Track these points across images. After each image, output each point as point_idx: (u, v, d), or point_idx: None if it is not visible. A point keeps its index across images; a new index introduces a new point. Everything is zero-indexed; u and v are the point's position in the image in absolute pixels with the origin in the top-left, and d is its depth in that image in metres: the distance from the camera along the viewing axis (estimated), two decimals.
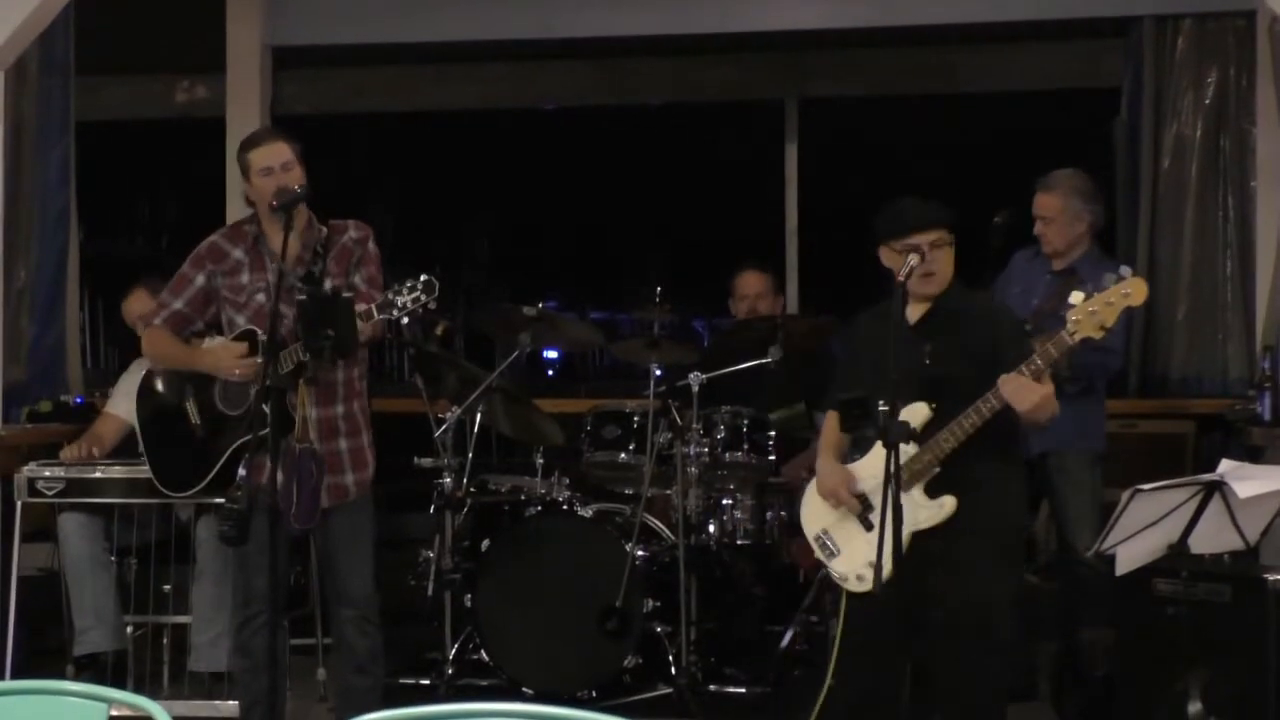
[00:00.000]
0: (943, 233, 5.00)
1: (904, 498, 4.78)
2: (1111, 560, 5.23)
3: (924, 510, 4.88)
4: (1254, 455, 6.48)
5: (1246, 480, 5.07)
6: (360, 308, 5.17)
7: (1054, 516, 6.62)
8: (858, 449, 5.17)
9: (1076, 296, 4.71)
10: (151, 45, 8.93)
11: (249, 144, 5.48)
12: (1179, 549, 5.19)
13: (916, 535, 4.86)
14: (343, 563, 5.46)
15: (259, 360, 5.18)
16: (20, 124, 8.10)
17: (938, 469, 4.88)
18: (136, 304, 6.96)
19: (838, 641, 5.12)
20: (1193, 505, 5.12)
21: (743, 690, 6.51)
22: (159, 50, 8.98)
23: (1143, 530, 5.13)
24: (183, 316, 5.55)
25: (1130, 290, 4.70)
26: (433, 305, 5.21)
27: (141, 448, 5.87)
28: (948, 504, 4.88)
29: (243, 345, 5.37)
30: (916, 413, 4.86)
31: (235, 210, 8.38)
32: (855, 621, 5.08)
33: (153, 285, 6.95)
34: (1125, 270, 4.76)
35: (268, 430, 4.97)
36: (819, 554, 5.18)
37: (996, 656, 5.00)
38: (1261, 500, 5.10)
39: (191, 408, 5.55)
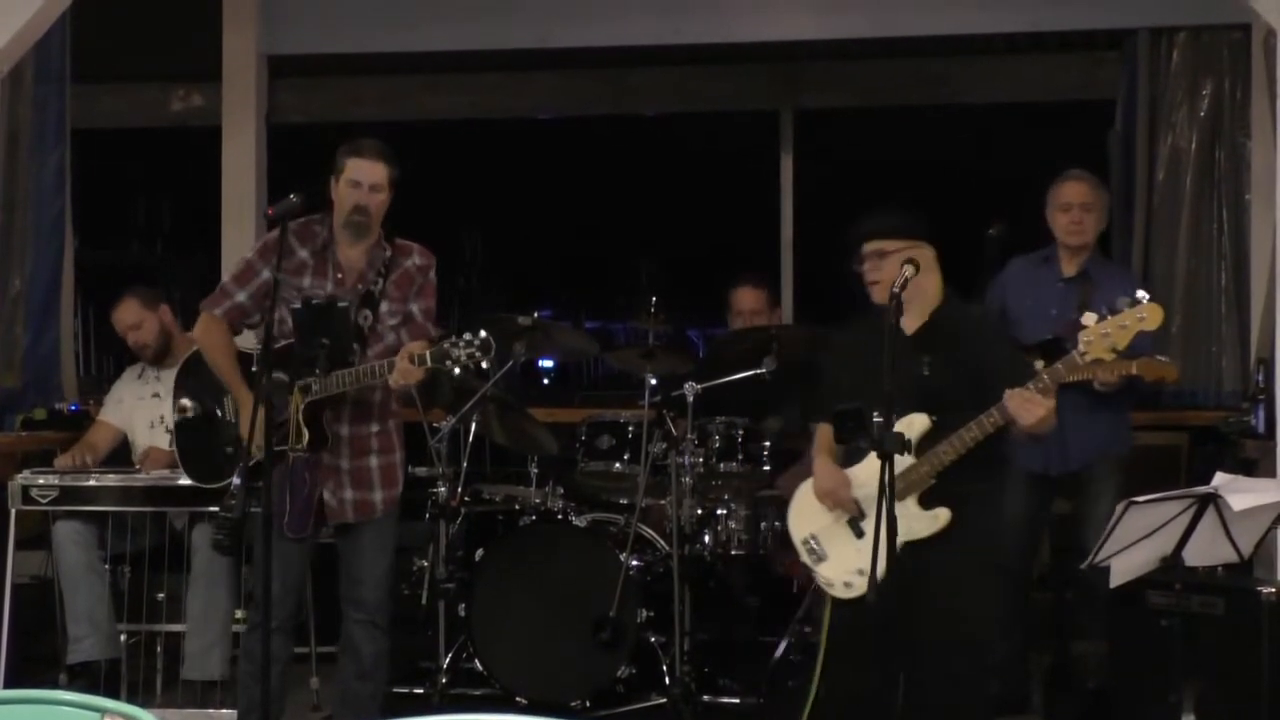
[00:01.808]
0: (883, 243, 5.04)
1: (899, 508, 4.79)
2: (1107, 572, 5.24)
3: (918, 521, 4.89)
4: (1248, 468, 6.48)
5: (1240, 493, 5.07)
6: (416, 351, 5.15)
7: (1068, 525, 6.57)
8: (851, 458, 5.17)
9: (1090, 318, 4.72)
10: (147, 53, 8.92)
11: (353, 150, 5.45)
12: (1173, 561, 5.19)
13: (909, 545, 4.86)
14: (360, 572, 5.50)
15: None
16: (16, 131, 8.11)
17: (933, 481, 4.89)
18: (126, 314, 6.95)
19: (823, 648, 5.14)
20: (1187, 518, 5.12)
21: (736, 700, 6.51)
22: (155, 58, 8.97)
23: (1137, 542, 5.13)
24: (243, 310, 5.52)
25: (1146, 315, 4.69)
26: (486, 365, 5.21)
27: (169, 427, 5.94)
28: (941, 515, 4.89)
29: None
30: (915, 424, 4.88)
31: (231, 218, 8.40)
32: (841, 628, 5.12)
33: (140, 295, 6.95)
34: (1142, 294, 4.75)
35: (265, 449, 5.00)
36: (804, 558, 5.20)
37: (981, 668, 5.01)
38: (1255, 513, 5.10)
39: (229, 404, 5.60)
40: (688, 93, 9.10)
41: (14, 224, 8.17)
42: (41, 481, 6.37)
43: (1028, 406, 4.73)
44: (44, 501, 6.36)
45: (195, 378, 5.80)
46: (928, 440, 4.90)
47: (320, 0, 8.68)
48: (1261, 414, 6.87)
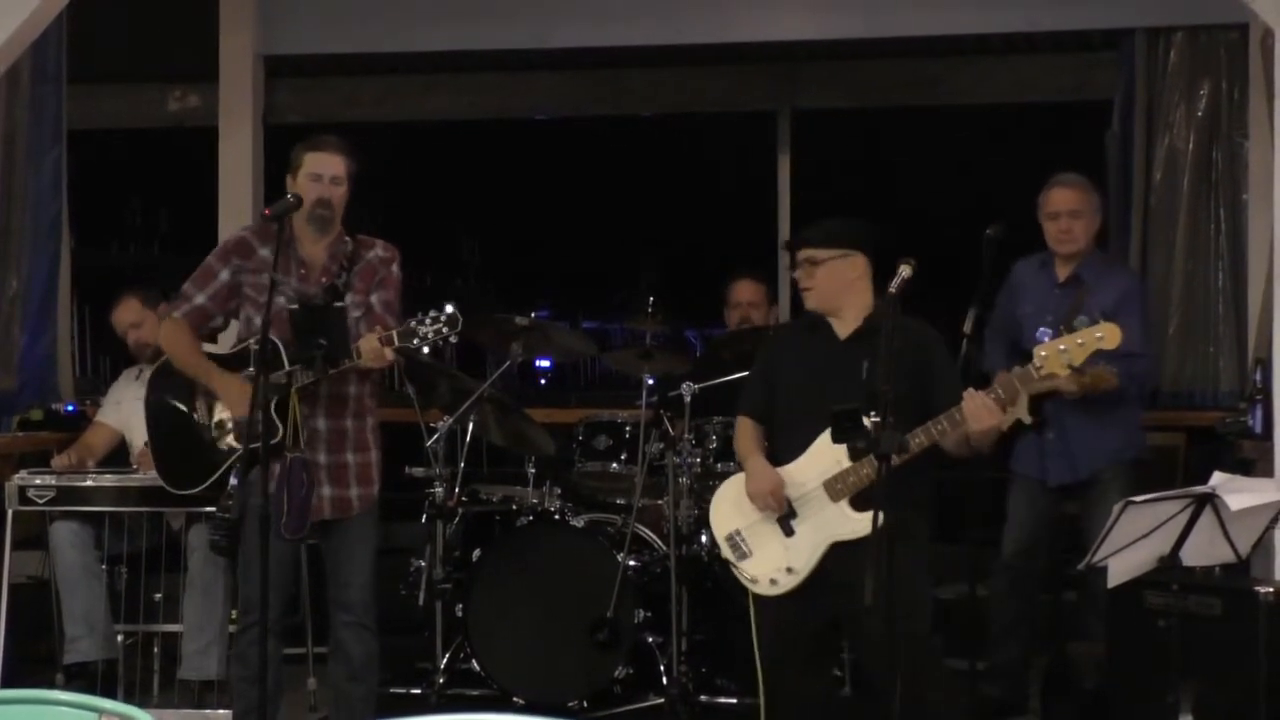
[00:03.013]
0: (814, 251, 5.19)
1: (832, 508, 5.01)
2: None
3: (850, 523, 4.96)
4: (1245, 468, 6.48)
5: (1238, 493, 5.07)
6: (381, 334, 5.18)
7: (1075, 528, 6.58)
8: (781, 455, 5.21)
9: (1045, 333, 4.82)
10: (144, 54, 8.91)
11: (310, 145, 5.47)
12: (1170, 561, 5.19)
13: (836, 545, 4.96)
14: (343, 572, 5.48)
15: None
16: (12, 132, 8.10)
17: (868, 484, 4.92)
18: (127, 313, 6.95)
19: (757, 650, 5.18)
20: (1184, 518, 5.12)
21: (734, 701, 6.51)
22: (151, 59, 8.96)
23: (1134, 543, 5.13)
24: (204, 312, 5.51)
25: (1103, 334, 4.81)
26: (454, 339, 5.23)
27: (146, 438, 5.84)
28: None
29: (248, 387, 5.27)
30: None
31: (228, 219, 8.39)
32: (770, 625, 5.20)
33: (142, 294, 6.95)
34: (1099, 314, 4.84)
35: (275, 440, 5.00)
36: (727, 553, 5.28)
37: (920, 664, 5.01)
38: (1253, 513, 5.10)
39: (202, 407, 5.55)
40: (685, 93, 9.09)
41: (11, 225, 8.16)
42: (38, 482, 6.36)
43: (981, 413, 4.84)
44: (41, 502, 6.34)
45: (163, 390, 5.72)
46: None
47: (317, 0, 8.68)
48: (1259, 414, 6.86)
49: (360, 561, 5.49)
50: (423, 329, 5.18)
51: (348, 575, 5.47)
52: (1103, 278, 6.40)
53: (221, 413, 5.47)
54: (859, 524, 4.93)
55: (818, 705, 5.18)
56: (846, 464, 4.94)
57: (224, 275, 5.49)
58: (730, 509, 5.28)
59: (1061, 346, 4.78)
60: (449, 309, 5.20)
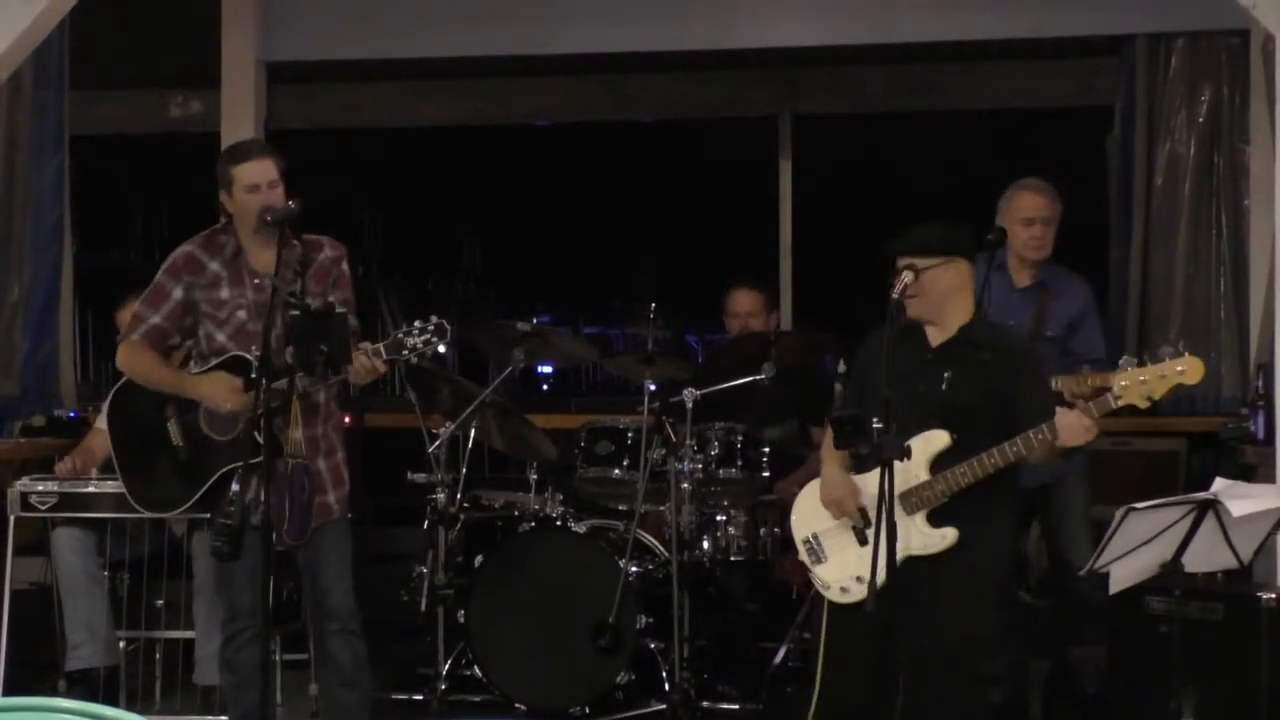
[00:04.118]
0: (914, 259, 5.02)
1: (908, 522, 4.86)
2: (1105, 578, 5.23)
3: (925, 538, 4.90)
4: (1247, 473, 6.48)
5: (1240, 499, 5.06)
6: (368, 347, 5.15)
7: (1047, 535, 6.62)
8: (863, 464, 5.17)
9: (1128, 361, 4.78)
10: (146, 60, 8.93)
11: (237, 156, 5.36)
12: (1172, 567, 5.18)
13: (912, 559, 4.88)
14: (326, 579, 5.42)
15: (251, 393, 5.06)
16: (15, 137, 8.11)
17: (946, 500, 4.90)
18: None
19: (821, 653, 5.15)
20: (1186, 524, 5.11)
21: (735, 707, 6.51)
22: (153, 65, 8.98)
23: (1136, 549, 5.12)
24: (161, 331, 5.41)
25: (1185, 368, 4.77)
26: (443, 349, 5.17)
27: (115, 464, 5.67)
28: (949, 535, 4.90)
29: (237, 379, 5.22)
30: (935, 440, 4.89)
31: None
32: (838, 632, 5.13)
33: None
34: (1182, 347, 4.88)
35: (263, 456, 4.96)
36: (804, 557, 5.22)
37: (978, 690, 5.00)
38: (1255, 519, 5.09)
39: (174, 428, 5.42)
40: (687, 99, 9.11)
41: (13, 230, 8.16)
42: (40, 488, 6.35)
43: (1075, 430, 4.77)
44: (43, 508, 6.33)
45: (127, 414, 5.60)
46: (946, 457, 4.90)
47: (319, 6, 8.68)
48: (1261, 419, 6.88)
49: (340, 566, 5.43)
50: (410, 340, 5.11)
51: (330, 581, 5.41)
52: (1064, 286, 6.42)
53: (206, 429, 5.41)
54: (933, 539, 4.90)
55: (869, 715, 5.09)
56: (924, 477, 4.89)
57: (177, 294, 5.38)
58: (809, 513, 5.23)
59: (1142, 378, 4.75)
60: (435, 319, 5.13)
